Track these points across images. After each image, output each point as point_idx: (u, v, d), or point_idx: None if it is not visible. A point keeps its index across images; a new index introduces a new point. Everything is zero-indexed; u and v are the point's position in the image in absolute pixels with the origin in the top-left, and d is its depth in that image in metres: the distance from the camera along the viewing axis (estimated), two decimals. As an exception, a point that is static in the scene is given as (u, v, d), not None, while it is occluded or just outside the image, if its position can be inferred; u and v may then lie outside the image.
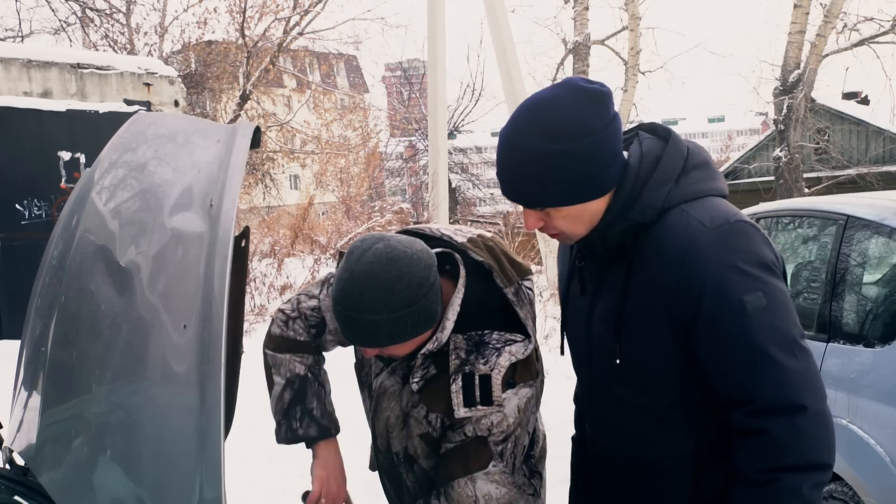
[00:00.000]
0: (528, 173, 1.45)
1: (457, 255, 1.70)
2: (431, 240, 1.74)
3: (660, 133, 1.56)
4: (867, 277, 3.27)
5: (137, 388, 1.44)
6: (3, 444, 1.85)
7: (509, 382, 1.64)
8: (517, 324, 1.68)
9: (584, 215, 1.50)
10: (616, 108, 1.48)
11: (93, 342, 1.56)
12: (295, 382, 1.86)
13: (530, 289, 1.76)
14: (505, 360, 1.62)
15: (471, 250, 1.72)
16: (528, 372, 1.67)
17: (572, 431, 1.91)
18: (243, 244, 1.75)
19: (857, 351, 2.96)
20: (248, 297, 9.05)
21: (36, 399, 1.69)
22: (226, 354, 1.27)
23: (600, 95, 1.44)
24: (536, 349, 1.74)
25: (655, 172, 1.48)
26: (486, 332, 1.66)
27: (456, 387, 1.63)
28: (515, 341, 1.65)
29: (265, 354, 1.91)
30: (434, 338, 1.65)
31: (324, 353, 1.95)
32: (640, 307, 1.48)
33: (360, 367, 1.91)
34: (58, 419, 1.61)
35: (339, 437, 1.91)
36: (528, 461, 1.87)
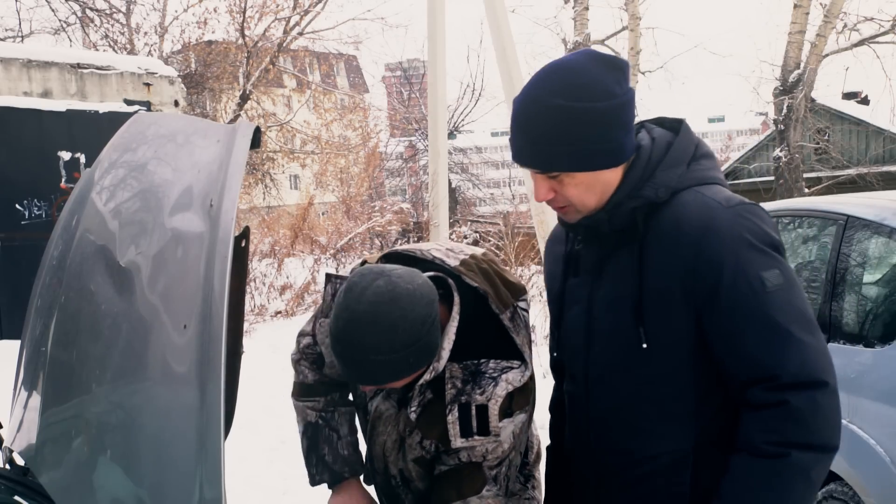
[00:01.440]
0: (545, 133, 1.44)
1: (450, 281, 1.66)
2: (423, 263, 1.70)
3: (667, 125, 1.58)
4: (867, 277, 3.27)
5: (137, 388, 1.44)
6: (3, 444, 1.85)
7: (506, 412, 1.62)
8: (514, 349, 1.65)
9: (597, 185, 1.49)
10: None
11: (93, 342, 1.56)
12: (308, 431, 1.88)
13: (525, 310, 1.72)
14: (502, 390, 1.60)
15: (464, 275, 1.68)
16: (524, 399, 1.65)
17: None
18: (243, 244, 1.75)
19: (857, 351, 2.95)
20: (248, 297, 9.05)
21: (36, 399, 1.69)
22: (226, 354, 1.27)
23: (619, 63, 1.48)
24: (532, 372, 1.71)
25: (668, 155, 1.51)
26: (483, 360, 1.63)
27: (452, 417, 1.61)
28: (512, 368, 1.62)
29: (292, 403, 1.94)
30: (431, 367, 1.62)
31: (344, 387, 1.93)
32: (657, 289, 1.46)
33: (355, 388, 1.90)
34: (58, 419, 1.61)
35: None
36: (523, 468, 1.87)
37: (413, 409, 1.69)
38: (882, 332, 2.97)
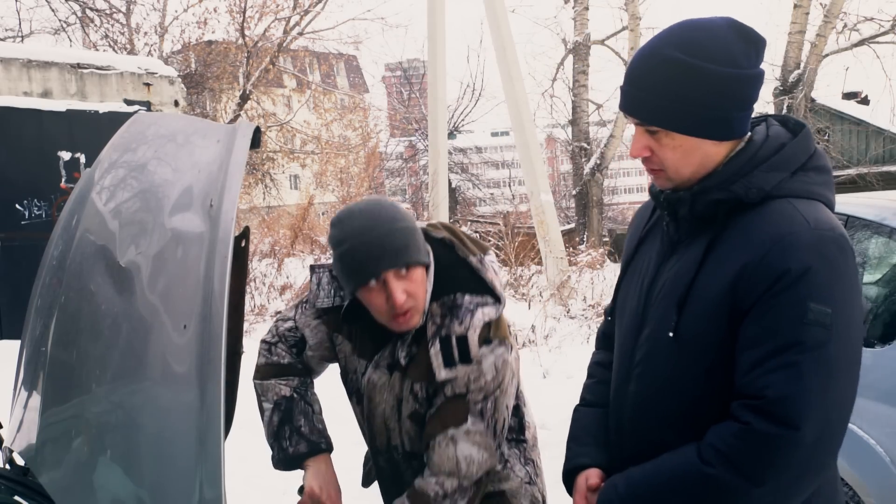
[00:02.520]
0: (654, 83, 1.40)
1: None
2: None
3: (790, 125, 1.51)
4: (867, 277, 3.27)
5: (137, 388, 1.44)
6: (3, 444, 1.85)
7: (486, 340, 1.70)
8: (485, 287, 1.73)
9: (695, 155, 1.42)
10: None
11: (93, 342, 1.56)
12: (282, 404, 1.89)
13: (493, 262, 1.80)
14: (479, 320, 1.69)
15: (431, 230, 1.80)
16: (502, 331, 1.73)
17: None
18: (243, 244, 1.75)
19: (857, 351, 2.95)
20: (248, 297, 9.05)
21: (36, 399, 1.70)
22: (226, 354, 1.27)
23: (755, 38, 1.40)
24: (508, 326, 1.79)
25: (775, 157, 1.42)
26: (458, 294, 1.72)
27: (434, 350, 1.69)
28: (487, 304, 1.71)
29: (254, 385, 1.95)
30: (425, 310, 1.71)
31: (313, 373, 1.98)
32: (709, 281, 1.40)
33: (346, 375, 1.91)
34: (58, 419, 1.61)
35: (336, 447, 1.91)
36: (521, 445, 1.92)
37: (402, 355, 1.75)
38: (882, 332, 2.97)
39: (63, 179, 7.85)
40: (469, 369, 1.67)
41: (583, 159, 17.01)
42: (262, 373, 1.95)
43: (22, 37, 15.89)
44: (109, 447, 1.47)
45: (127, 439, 1.43)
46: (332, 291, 1.84)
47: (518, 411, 1.92)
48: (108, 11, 16.67)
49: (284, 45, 17.92)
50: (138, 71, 8.66)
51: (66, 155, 7.86)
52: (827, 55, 14.65)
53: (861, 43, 15.26)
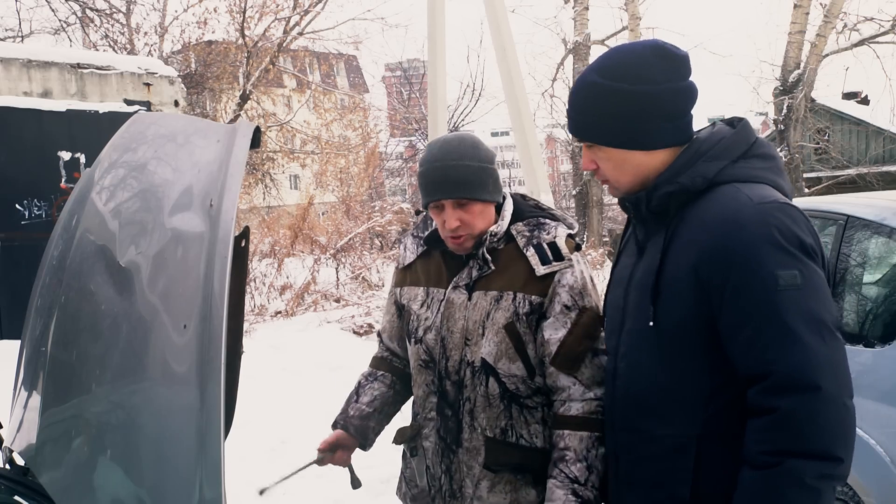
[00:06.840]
0: (580, 104, 1.60)
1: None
2: None
3: (734, 123, 1.64)
4: (867, 277, 3.27)
5: (137, 388, 1.44)
6: (3, 444, 1.85)
7: (573, 248, 1.91)
8: (560, 218, 1.97)
9: (627, 165, 1.59)
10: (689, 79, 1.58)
11: (93, 342, 1.56)
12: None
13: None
14: (563, 232, 1.91)
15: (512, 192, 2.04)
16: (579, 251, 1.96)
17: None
18: (243, 244, 1.75)
19: (857, 351, 2.95)
20: (248, 297, 9.04)
21: (36, 399, 1.70)
22: (226, 354, 1.27)
23: (673, 55, 1.56)
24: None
25: (715, 148, 1.55)
26: (540, 218, 1.94)
27: (530, 253, 1.88)
28: (564, 226, 1.93)
29: None
30: (497, 224, 1.91)
31: (397, 358, 2.17)
32: (674, 270, 1.51)
33: (409, 322, 2.02)
34: (58, 419, 1.61)
35: None
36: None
37: (478, 264, 1.90)
38: (882, 332, 2.97)
39: (63, 179, 7.84)
40: (564, 265, 1.86)
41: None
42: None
43: (22, 37, 15.88)
44: (109, 447, 1.47)
45: (127, 439, 1.43)
46: (415, 247, 2.05)
47: None
48: (108, 11, 16.66)
49: (284, 45, 17.89)
50: (138, 71, 8.66)
51: (66, 155, 7.85)
52: (827, 55, 14.65)
53: (861, 43, 15.26)
